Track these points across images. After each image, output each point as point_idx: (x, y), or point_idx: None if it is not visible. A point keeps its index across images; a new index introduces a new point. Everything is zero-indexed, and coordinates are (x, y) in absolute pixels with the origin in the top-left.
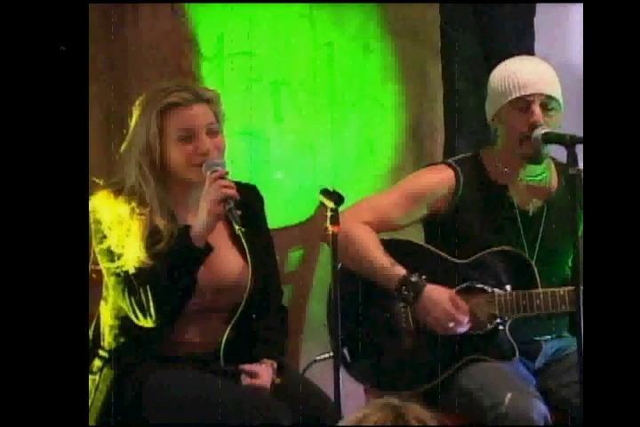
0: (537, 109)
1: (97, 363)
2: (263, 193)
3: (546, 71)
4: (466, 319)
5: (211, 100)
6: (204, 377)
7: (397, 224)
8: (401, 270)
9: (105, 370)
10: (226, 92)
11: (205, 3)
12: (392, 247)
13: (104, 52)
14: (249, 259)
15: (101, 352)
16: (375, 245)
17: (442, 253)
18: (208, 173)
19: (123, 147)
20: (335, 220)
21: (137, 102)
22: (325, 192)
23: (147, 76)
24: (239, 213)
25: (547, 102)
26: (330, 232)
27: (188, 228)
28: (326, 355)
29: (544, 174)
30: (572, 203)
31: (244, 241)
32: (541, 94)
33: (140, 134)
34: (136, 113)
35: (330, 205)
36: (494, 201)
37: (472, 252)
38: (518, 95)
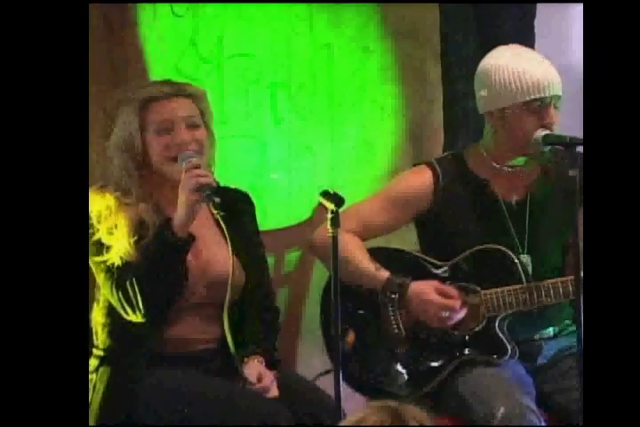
0: (551, 111)
1: (93, 362)
2: (262, 195)
3: (553, 69)
4: (457, 304)
5: (193, 95)
6: (199, 376)
7: (383, 230)
8: (385, 273)
9: (101, 369)
10: (224, 93)
11: (204, 3)
12: (374, 255)
13: (104, 52)
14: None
15: (96, 351)
16: (360, 252)
17: (426, 258)
18: (183, 164)
19: (106, 144)
20: (336, 222)
21: (114, 101)
22: (326, 194)
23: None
24: (218, 200)
25: (556, 102)
26: (330, 234)
27: (169, 220)
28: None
29: (526, 162)
30: (572, 205)
31: (225, 231)
32: (556, 95)
33: (121, 130)
34: (115, 110)
35: (330, 207)
36: (478, 196)
37: (463, 248)
38: (536, 97)
